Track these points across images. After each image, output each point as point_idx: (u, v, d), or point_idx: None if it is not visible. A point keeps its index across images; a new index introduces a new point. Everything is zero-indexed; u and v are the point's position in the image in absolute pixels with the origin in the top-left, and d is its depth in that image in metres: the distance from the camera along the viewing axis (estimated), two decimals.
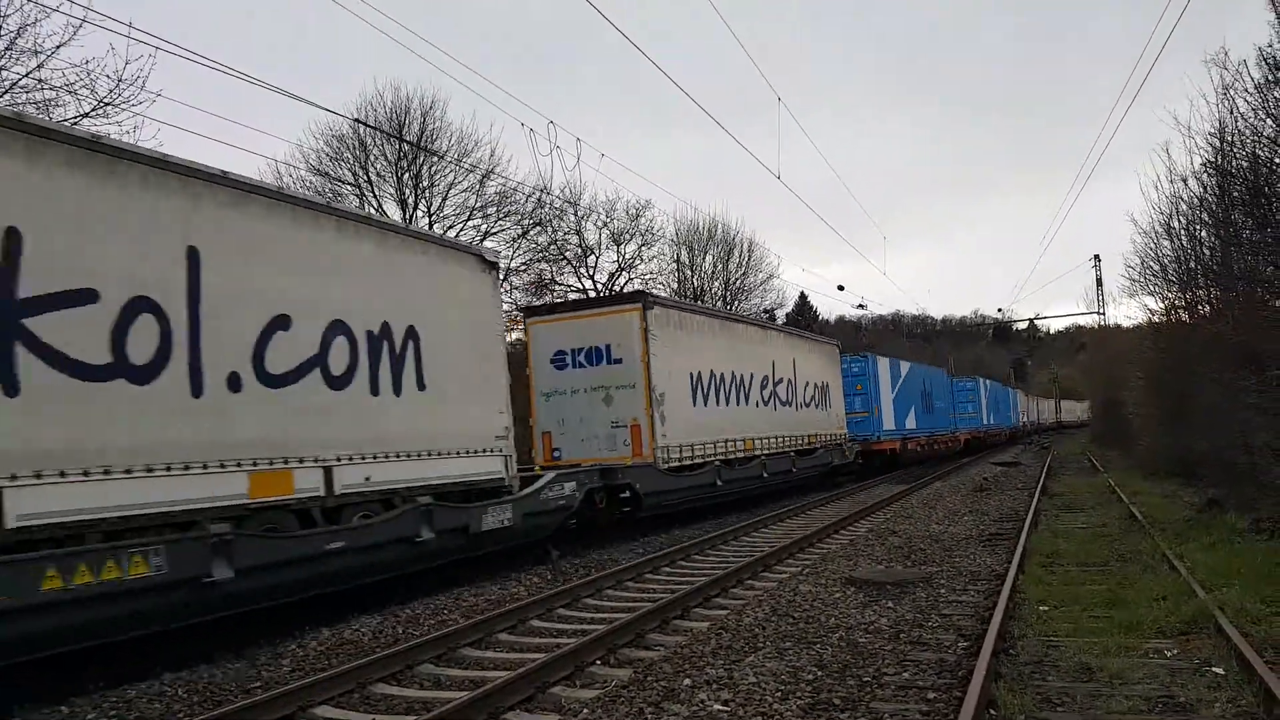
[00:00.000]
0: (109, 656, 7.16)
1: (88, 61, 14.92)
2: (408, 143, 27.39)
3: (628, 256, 37.05)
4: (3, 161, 6.52)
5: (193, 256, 7.85)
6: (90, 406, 6.91)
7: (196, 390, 7.77)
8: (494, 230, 30.37)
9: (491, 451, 11.45)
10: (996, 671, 6.02)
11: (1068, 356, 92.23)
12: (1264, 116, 12.17)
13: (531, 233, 31.79)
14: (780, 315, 47.35)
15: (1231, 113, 13.10)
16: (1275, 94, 11.72)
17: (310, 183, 27.44)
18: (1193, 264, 18.07)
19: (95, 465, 6.90)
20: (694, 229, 40.89)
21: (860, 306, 54.27)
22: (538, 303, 26.69)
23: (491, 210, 30.09)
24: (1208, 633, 6.80)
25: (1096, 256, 46.32)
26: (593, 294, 33.83)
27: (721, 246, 41.60)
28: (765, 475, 19.59)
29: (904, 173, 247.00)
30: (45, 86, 14.06)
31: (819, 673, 6.31)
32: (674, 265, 40.29)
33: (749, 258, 42.42)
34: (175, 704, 6.44)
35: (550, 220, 32.30)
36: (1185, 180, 16.97)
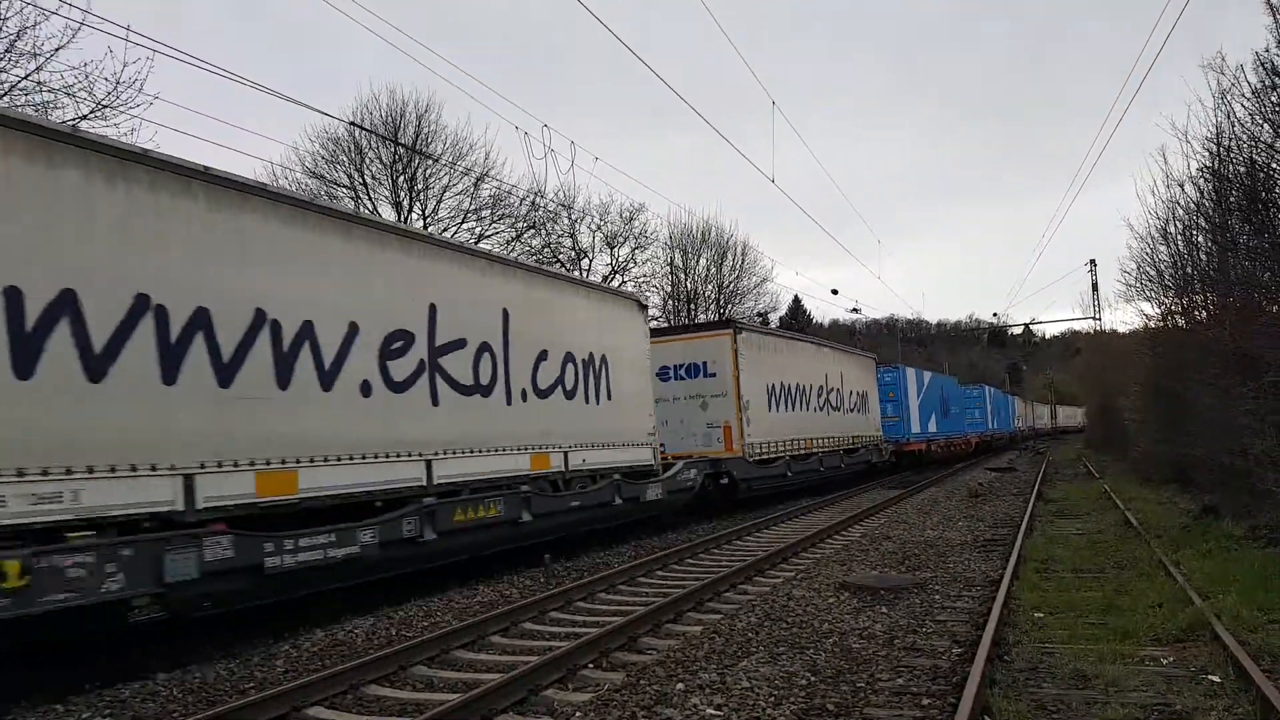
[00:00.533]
0: (107, 653, 7.13)
1: (86, 64, 14.90)
2: (403, 146, 27.39)
3: (621, 259, 37.13)
4: (428, 263, 10.75)
5: (505, 315, 11.99)
6: (466, 412, 11.04)
7: (509, 400, 11.89)
8: (488, 233, 30.42)
9: (645, 444, 15.43)
10: (991, 678, 6.01)
11: (1063, 361, 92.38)
12: (1261, 122, 12.19)
13: (525, 235, 31.84)
14: (774, 319, 47.42)
15: (1229, 118, 13.12)
16: (1273, 99, 11.73)
17: (306, 185, 27.44)
18: (1189, 269, 18.09)
19: (470, 447, 10.98)
20: (687, 232, 40.98)
21: (854, 310, 54.22)
22: None
23: (486, 213, 30.16)
24: (1204, 640, 6.80)
25: (1092, 261, 46.34)
26: None
27: (715, 250, 41.69)
28: (821, 469, 23.43)
29: (898, 176, 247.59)
30: (44, 89, 14.04)
31: (812, 678, 6.29)
32: (667, 268, 40.36)
33: (743, 261, 42.53)
34: (170, 704, 6.40)
35: (544, 223, 32.35)
36: (1182, 185, 17.00)
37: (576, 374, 13.46)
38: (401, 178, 28.72)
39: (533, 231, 32.03)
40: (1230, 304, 14.49)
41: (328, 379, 8.98)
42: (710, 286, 41.97)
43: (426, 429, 10.27)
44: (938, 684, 6.08)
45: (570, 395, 13.26)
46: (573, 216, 33.91)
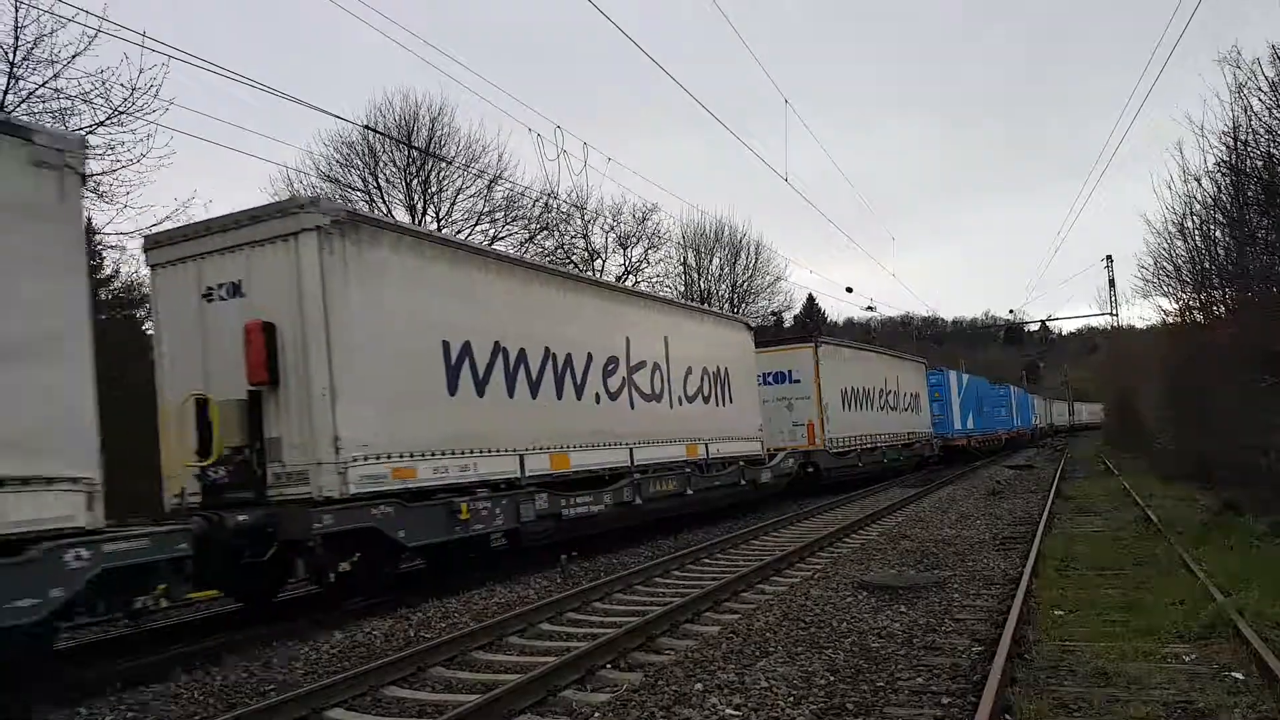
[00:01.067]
0: (129, 655, 7.19)
1: (102, 71, 15.06)
2: (416, 149, 27.50)
3: (634, 260, 37.11)
4: (624, 306, 15.26)
5: (665, 341, 16.05)
6: (648, 414, 15.13)
7: (670, 405, 15.98)
8: (502, 234, 30.48)
9: (757, 439, 19.47)
10: (1012, 676, 5.97)
11: (1080, 358, 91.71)
12: (1278, 115, 12.07)
13: (539, 237, 31.88)
14: (788, 318, 47.31)
15: (1245, 111, 13.03)
16: None
17: (320, 188, 27.58)
18: (1207, 264, 17.97)
19: (651, 439, 15.05)
20: (700, 231, 40.92)
21: (869, 308, 54.01)
22: None
23: (499, 215, 30.22)
24: (1226, 637, 6.73)
25: (1109, 257, 46.04)
26: None
27: (728, 249, 41.62)
28: (885, 461, 27.47)
29: (913, 173, 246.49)
30: (61, 96, 14.20)
31: (832, 677, 6.27)
32: (681, 268, 40.31)
33: (756, 260, 42.45)
34: (191, 705, 6.45)
35: (557, 224, 32.38)
36: (1199, 180, 16.87)
37: (709, 383, 17.56)
38: (415, 180, 28.83)
39: (546, 233, 32.09)
40: (1249, 299, 14.36)
41: (580, 392, 13.22)
42: (724, 286, 41.93)
43: (629, 426, 14.45)
44: (958, 683, 6.04)
45: (706, 400, 17.36)
46: (586, 217, 33.96)
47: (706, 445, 16.89)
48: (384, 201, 28.54)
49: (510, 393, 11.67)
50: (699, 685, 6.14)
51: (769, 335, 30.33)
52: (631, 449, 14.41)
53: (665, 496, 15.07)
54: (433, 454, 10.30)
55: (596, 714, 5.64)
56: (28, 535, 6.03)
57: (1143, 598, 8.32)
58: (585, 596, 9.59)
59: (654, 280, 37.73)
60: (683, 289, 39.82)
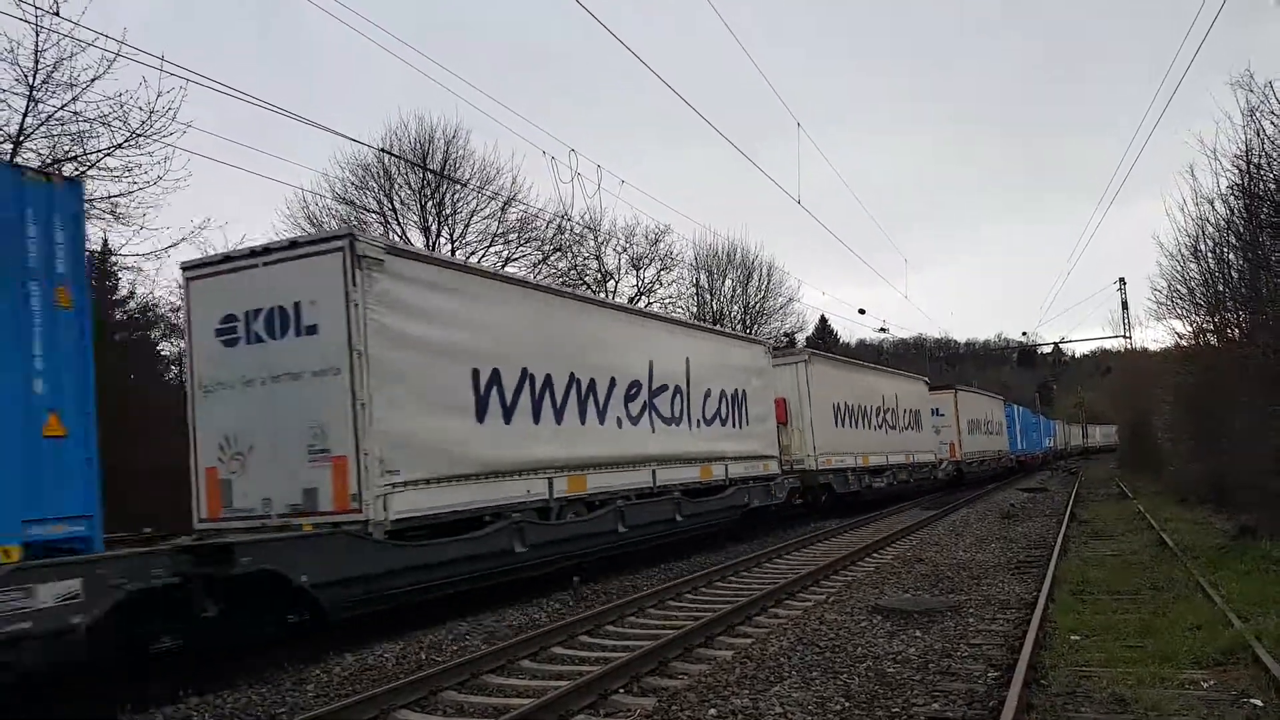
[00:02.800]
0: (140, 678, 7.19)
1: (120, 94, 15.25)
2: (431, 171, 27.71)
3: (647, 281, 37.16)
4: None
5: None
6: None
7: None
8: (515, 256, 30.59)
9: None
10: (1028, 702, 5.91)
11: (1094, 380, 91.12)
12: None
13: (552, 258, 31.97)
14: (800, 339, 47.16)
15: (1258, 135, 13.03)
16: None
17: (336, 211, 27.80)
18: (1221, 287, 17.90)
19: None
20: (713, 253, 40.97)
21: (882, 330, 53.85)
22: None
23: (513, 236, 30.33)
24: (1245, 663, 6.65)
25: (1122, 279, 45.66)
26: None
27: (741, 270, 41.63)
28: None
29: (925, 196, 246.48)
30: (80, 119, 14.39)
31: (846, 703, 6.23)
32: (693, 289, 40.35)
33: (768, 281, 42.42)
34: None
35: (570, 246, 32.48)
36: (1212, 202, 16.86)
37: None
38: (430, 203, 29.01)
39: (559, 254, 32.19)
40: (1263, 322, 14.29)
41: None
42: (736, 307, 41.92)
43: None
44: (974, 709, 5.99)
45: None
46: (599, 239, 34.06)
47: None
48: (399, 224, 28.74)
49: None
50: (713, 711, 6.11)
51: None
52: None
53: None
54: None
55: None
56: (771, 477, 18.27)
57: (1159, 623, 8.23)
58: (598, 619, 9.56)
59: (666, 301, 37.80)
60: (695, 310, 39.86)
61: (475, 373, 10.80)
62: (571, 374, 12.55)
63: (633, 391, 14.13)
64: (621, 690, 6.84)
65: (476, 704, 6.83)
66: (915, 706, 6.12)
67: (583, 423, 12.77)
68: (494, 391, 11.11)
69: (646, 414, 14.50)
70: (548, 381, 12.08)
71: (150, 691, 7.06)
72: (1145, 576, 11.10)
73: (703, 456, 16.17)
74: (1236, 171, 14.47)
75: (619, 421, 13.66)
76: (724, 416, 17.20)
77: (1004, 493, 32.17)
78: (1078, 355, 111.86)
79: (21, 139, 13.98)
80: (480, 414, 10.84)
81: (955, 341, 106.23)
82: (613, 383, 13.53)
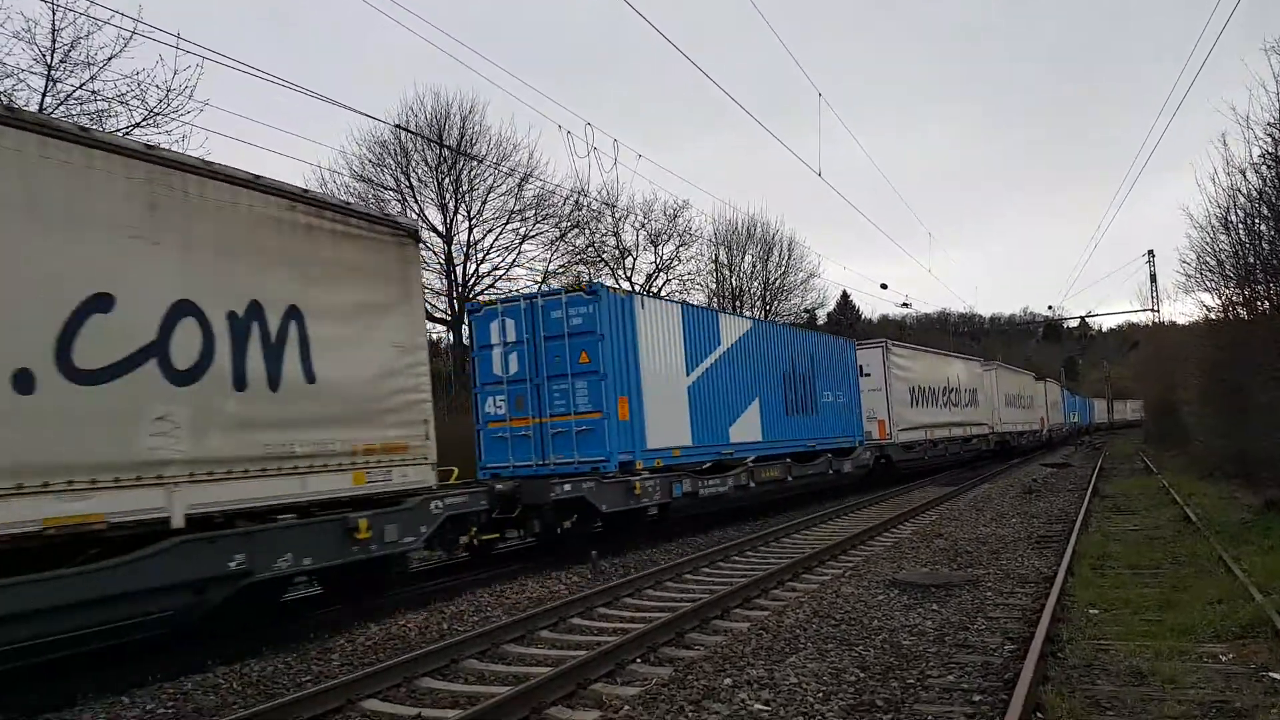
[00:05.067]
0: (168, 648, 7.36)
1: (138, 72, 15.34)
2: (448, 148, 27.70)
3: (665, 257, 37.07)
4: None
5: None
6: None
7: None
8: (532, 233, 30.59)
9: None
10: (1044, 675, 5.92)
11: (1120, 355, 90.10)
12: None
13: (569, 235, 31.96)
14: (821, 315, 47.03)
15: None
16: None
17: (354, 189, 27.89)
18: (1251, 259, 17.58)
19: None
20: (732, 228, 40.79)
21: (904, 305, 53.49)
22: None
23: (530, 213, 30.33)
24: (1265, 637, 6.62)
25: (1150, 252, 45.05)
26: None
27: (760, 246, 41.44)
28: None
29: (949, 169, 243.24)
30: (98, 98, 14.48)
31: (861, 674, 6.27)
32: (712, 266, 40.20)
33: (789, 257, 42.23)
34: (229, 696, 6.60)
35: (588, 222, 32.43)
36: (1243, 172, 16.53)
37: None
38: (447, 179, 29.05)
39: (576, 230, 32.15)
40: None
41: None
42: (756, 283, 41.78)
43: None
44: (989, 680, 6.01)
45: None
46: (616, 215, 33.99)
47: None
48: (416, 201, 28.83)
49: None
50: (728, 680, 6.17)
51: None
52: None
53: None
54: None
55: (626, 707, 5.69)
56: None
57: (1180, 597, 8.20)
58: (615, 592, 9.65)
59: (684, 279, 37.71)
60: (714, 287, 39.77)
61: None
62: None
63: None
64: (639, 660, 6.93)
65: (496, 672, 6.95)
66: (930, 678, 6.15)
67: None
68: None
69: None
70: None
71: (181, 660, 7.23)
72: (1167, 551, 11.04)
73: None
74: (1270, 139, 14.19)
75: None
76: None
77: (1027, 467, 31.98)
78: (1104, 330, 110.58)
79: None
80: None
81: (980, 316, 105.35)
82: None
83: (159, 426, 6.81)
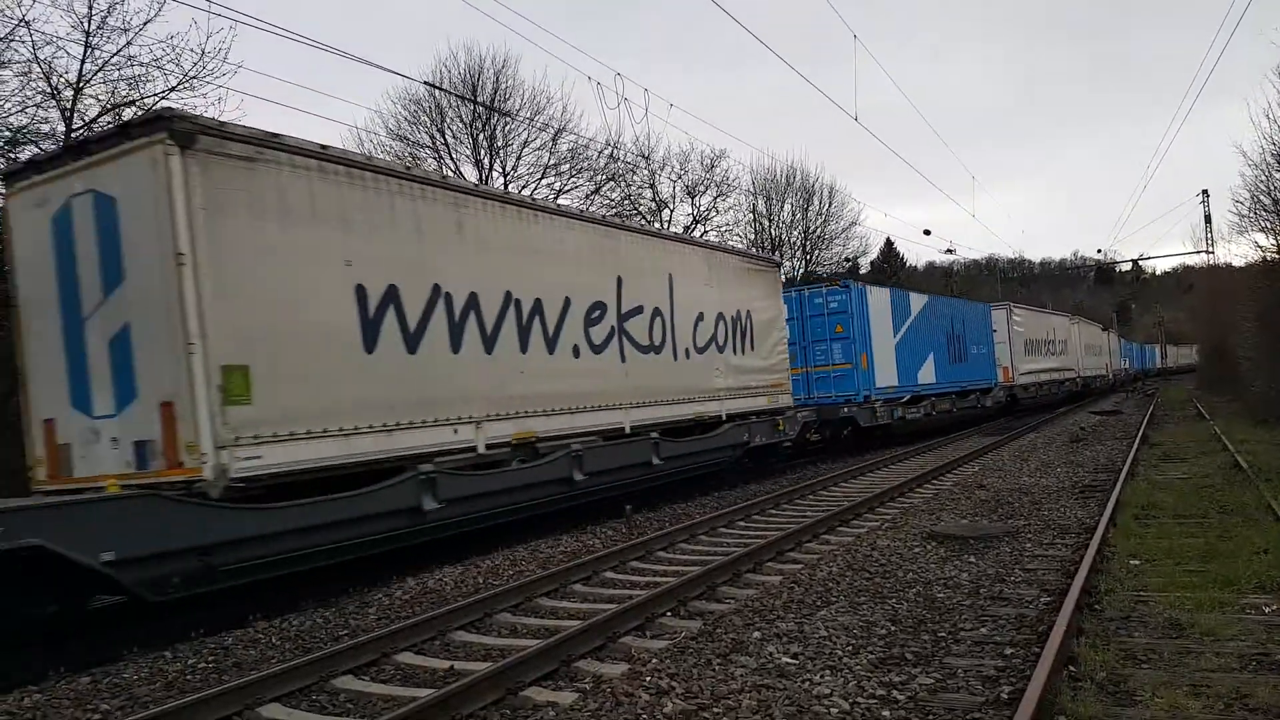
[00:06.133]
0: (210, 604, 7.56)
1: (172, 36, 15.39)
2: (481, 104, 27.50)
3: (703, 208, 36.65)
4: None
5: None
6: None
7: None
8: (567, 188, 30.40)
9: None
10: (1079, 626, 5.82)
11: (1174, 298, 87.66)
12: None
13: (604, 189, 31.70)
14: (864, 263, 46.29)
15: None
16: None
17: (390, 148, 27.90)
18: None
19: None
20: (771, 177, 40.17)
21: (949, 251, 52.29)
22: None
23: (565, 167, 30.11)
24: None
25: (1205, 191, 43.34)
26: None
27: (800, 194, 40.81)
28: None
29: (993, 110, 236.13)
30: (135, 63, 14.57)
31: (892, 627, 6.22)
32: (750, 215, 39.70)
33: (829, 205, 41.53)
34: (269, 650, 6.77)
35: (623, 175, 32.11)
36: None
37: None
38: (481, 135, 28.91)
39: (612, 184, 31.88)
40: None
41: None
42: (796, 232, 41.23)
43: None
44: (1022, 633, 5.93)
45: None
46: (651, 167, 33.60)
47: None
48: (451, 158, 28.76)
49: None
50: (757, 634, 6.16)
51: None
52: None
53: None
54: None
55: (654, 660, 5.71)
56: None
57: (1225, 547, 7.99)
58: (649, 546, 9.69)
59: (723, 229, 37.32)
60: (753, 237, 39.31)
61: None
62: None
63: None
64: (668, 613, 6.95)
65: (529, 625, 7.03)
66: (962, 630, 6.09)
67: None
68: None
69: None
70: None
71: (222, 614, 7.44)
72: (1214, 500, 10.76)
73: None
74: None
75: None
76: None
77: (1075, 416, 31.41)
78: (1158, 273, 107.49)
79: (81, 85, 14.25)
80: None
81: (1029, 261, 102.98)
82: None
83: (717, 373, 14.96)
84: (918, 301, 24.19)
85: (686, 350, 14.15)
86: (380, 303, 8.80)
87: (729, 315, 15.39)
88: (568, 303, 11.56)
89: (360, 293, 8.61)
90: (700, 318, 14.54)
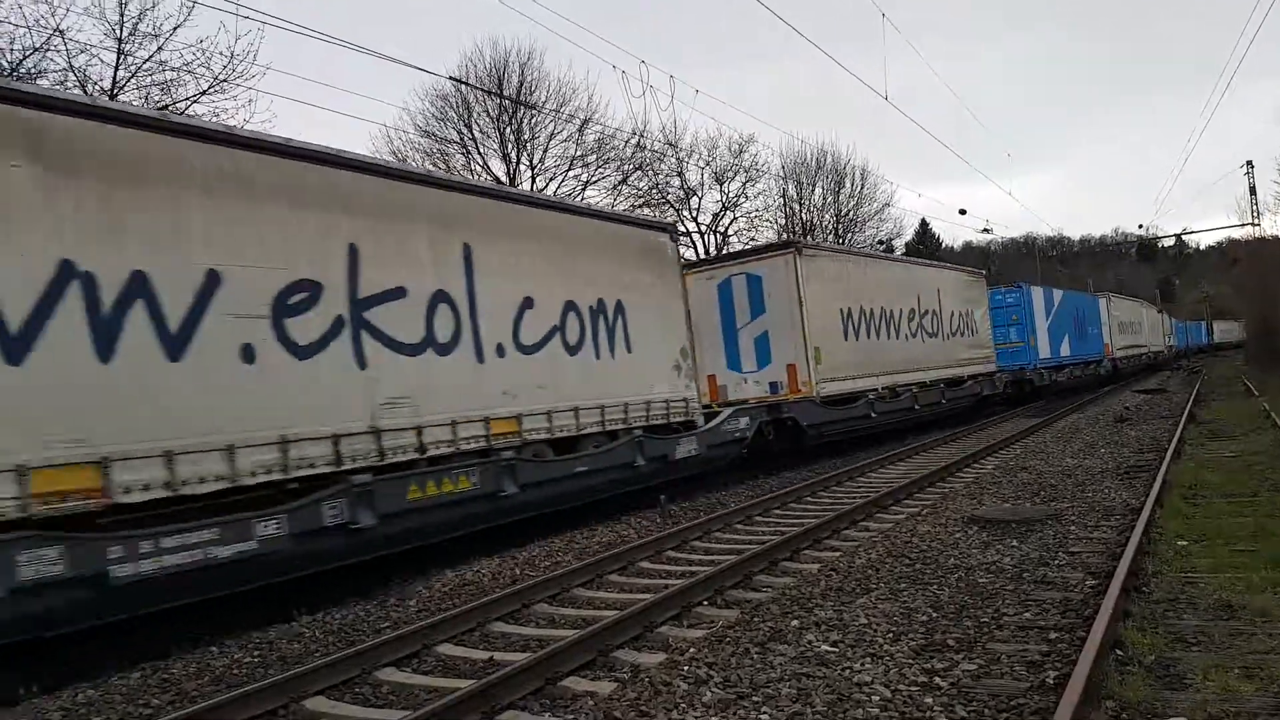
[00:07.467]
0: (254, 601, 7.68)
1: (201, 41, 15.60)
2: (506, 98, 27.54)
3: (731, 195, 36.41)
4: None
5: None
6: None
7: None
8: (594, 179, 30.38)
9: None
10: (1125, 610, 5.70)
11: (1219, 273, 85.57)
12: None
13: (632, 178, 31.61)
14: (899, 245, 45.75)
15: None
16: None
17: (418, 144, 28.07)
18: None
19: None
20: (801, 161, 39.80)
21: (985, 230, 51.52)
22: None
23: (591, 158, 30.09)
24: None
25: (1249, 163, 42.33)
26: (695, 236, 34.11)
27: (831, 177, 40.42)
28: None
29: (1026, 84, 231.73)
30: (166, 68, 14.79)
31: (934, 614, 6.14)
32: (780, 200, 39.40)
33: (861, 187, 41.11)
34: (312, 644, 6.86)
35: (650, 164, 32.00)
36: None
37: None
38: (508, 130, 28.98)
39: (639, 173, 31.79)
40: None
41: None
42: (828, 216, 40.85)
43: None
44: (1067, 617, 5.82)
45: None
46: (679, 154, 33.47)
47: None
48: (479, 154, 28.87)
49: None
50: (795, 622, 6.12)
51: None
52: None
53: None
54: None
55: (691, 649, 5.69)
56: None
57: (1276, 526, 7.78)
58: (684, 535, 9.68)
59: (753, 215, 37.11)
60: (783, 221, 39.04)
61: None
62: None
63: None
64: (705, 602, 6.93)
65: (566, 615, 7.06)
66: (1005, 616, 5.99)
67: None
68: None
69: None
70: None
71: (266, 611, 7.55)
72: (1264, 478, 10.49)
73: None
74: None
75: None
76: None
77: (1119, 395, 30.82)
78: (1202, 247, 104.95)
79: (115, 92, 14.49)
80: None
81: (1069, 239, 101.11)
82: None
83: (960, 350, 23.47)
84: (1057, 295, 31.93)
85: (949, 335, 22.43)
86: (858, 316, 18.34)
87: (960, 311, 23.52)
88: (945, 312, 22.70)
89: (846, 311, 17.91)
90: (952, 314, 22.87)
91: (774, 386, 16.50)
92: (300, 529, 7.57)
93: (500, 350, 10.21)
